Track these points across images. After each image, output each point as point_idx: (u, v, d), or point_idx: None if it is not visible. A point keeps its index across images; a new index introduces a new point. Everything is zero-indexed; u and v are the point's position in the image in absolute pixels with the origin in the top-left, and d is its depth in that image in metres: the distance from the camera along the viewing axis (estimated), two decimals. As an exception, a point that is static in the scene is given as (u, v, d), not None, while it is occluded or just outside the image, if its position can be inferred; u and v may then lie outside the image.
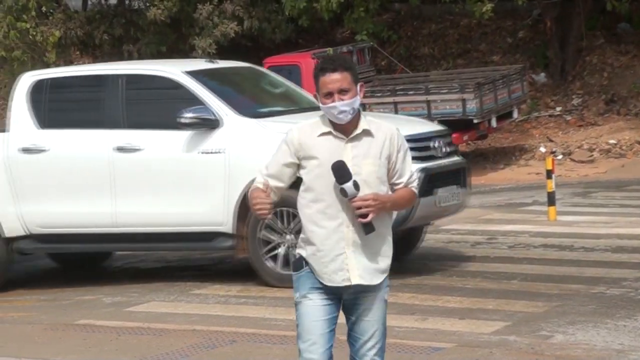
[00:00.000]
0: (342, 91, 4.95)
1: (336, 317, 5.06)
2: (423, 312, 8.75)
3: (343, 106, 4.95)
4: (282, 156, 5.11)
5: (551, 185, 13.41)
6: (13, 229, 10.70)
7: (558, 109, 21.48)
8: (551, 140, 20.19)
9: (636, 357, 7.21)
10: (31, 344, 8.41)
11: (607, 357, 7.25)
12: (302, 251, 5.10)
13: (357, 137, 5.02)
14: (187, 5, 22.75)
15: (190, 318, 9.02)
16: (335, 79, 4.97)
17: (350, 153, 4.98)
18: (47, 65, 25.34)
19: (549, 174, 13.52)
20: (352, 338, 5.12)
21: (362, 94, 5.06)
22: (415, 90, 18.82)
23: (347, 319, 5.12)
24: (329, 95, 4.97)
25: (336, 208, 4.97)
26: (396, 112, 18.40)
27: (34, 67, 25.80)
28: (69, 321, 9.20)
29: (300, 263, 5.08)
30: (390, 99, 18.66)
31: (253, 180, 5.12)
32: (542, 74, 22.58)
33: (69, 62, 27.05)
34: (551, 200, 13.34)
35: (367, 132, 5.03)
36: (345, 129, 5.02)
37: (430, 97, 18.35)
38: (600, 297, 9.00)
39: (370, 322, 5.07)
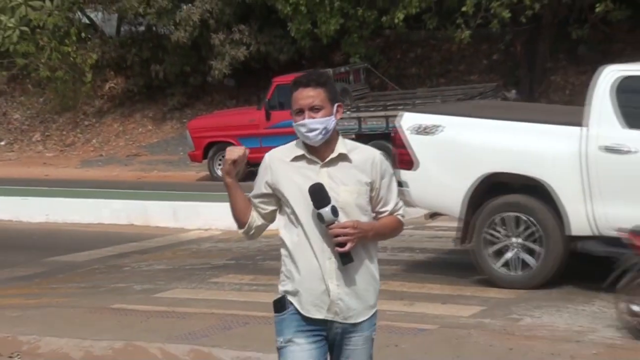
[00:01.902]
0: (314, 108, 4.02)
1: None
2: (410, 298, 8.78)
3: (313, 124, 4.01)
4: (257, 187, 4.22)
5: (521, 188, 13.37)
6: (580, 228, 8.76)
7: (527, 121, 21.44)
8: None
9: (593, 337, 7.24)
10: (73, 325, 8.44)
11: (569, 337, 7.27)
12: (283, 287, 4.17)
13: (333, 162, 4.09)
14: (206, 31, 22.83)
15: (209, 303, 9.04)
16: (306, 94, 4.04)
17: (326, 178, 4.05)
18: (85, 84, 25.47)
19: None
20: None
21: (340, 115, 4.11)
22: (404, 105, 18.73)
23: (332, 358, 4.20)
24: (300, 112, 4.05)
25: (316, 237, 4.05)
26: (387, 124, 18.41)
27: (74, 86, 26.02)
28: (105, 305, 9.22)
29: (283, 303, 4.14)
30: (382, 113, 18.61)
31: None
32: (514, 91, 22.53)
33: (104, 82, 27.16)
34: (521, 201, 13.30)
35: (343, 157, 4.10)
36: (320, 153, 4.09)
37: (417, 112, 18.32)
38: (563, 285, 9.02)
39: None
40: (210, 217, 13.96)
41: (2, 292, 10.69)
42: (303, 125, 4.04)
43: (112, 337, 7.88)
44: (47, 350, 7.84)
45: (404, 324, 7.78)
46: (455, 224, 12.90)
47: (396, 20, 20.12)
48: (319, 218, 3.99)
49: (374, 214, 4.19)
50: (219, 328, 8.02)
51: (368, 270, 4.14)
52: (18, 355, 7.84)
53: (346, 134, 17.82)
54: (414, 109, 12.88)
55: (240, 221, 4.22)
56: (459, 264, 10.25)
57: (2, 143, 26.84)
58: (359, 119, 18.69)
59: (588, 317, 7.83)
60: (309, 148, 4.10)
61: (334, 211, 3.97)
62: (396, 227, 4.26)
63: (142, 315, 8.71)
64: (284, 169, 4.12)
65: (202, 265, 11.37)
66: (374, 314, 4.19)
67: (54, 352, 7.80)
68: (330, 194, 4.01)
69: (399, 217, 4.26)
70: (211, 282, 10.17)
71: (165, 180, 20.77)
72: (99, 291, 10.15)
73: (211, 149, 20.12)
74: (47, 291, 10.58)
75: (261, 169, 4.19)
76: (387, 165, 4.20)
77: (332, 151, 4.11)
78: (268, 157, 4.19)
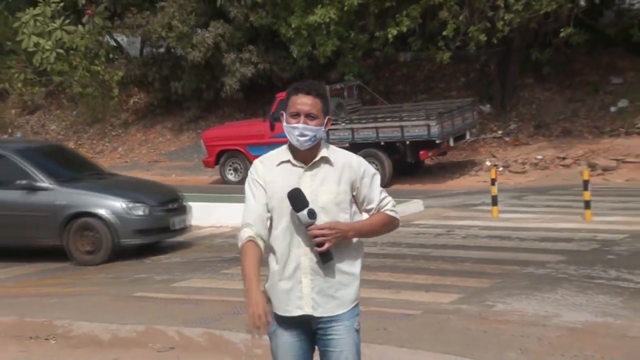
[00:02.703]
0: (310, 116, 3.80)
1: (309, 353, 3.97)
2: (397, 287, 8.75)
3: (306, 130, 3.79)
4: (257, 194, 3.90)
5: (494, 190, 13.43)
6: None
7: (499, 132, 21.48)
8: (494, 156, 20.20)
9: (557, 321, 7.22)
10: (102, 311, 8.42)
11: (536, 321, 7.26)
12: (264, 285, 3.97)
13: (316, 165, 3.87)
14: (218, 52, 22.85)
15: (221, 291, 9.01)
16: (306, 101, 3.81)
17: (308, 181, 3.84)
18: (112, 99, 25.49)
19: (493, 181, 13.54)
20: None
21: (327, 127, 3.89)
22: (392, 117, 18.82)
23: (319, 350, 3.96)
24: (296, 115, 3.81)
25: (295, 237, 3.83)
26: (377, 135, 18.43)
27: (103, 101, 26.05)
28: (129, 294, 9.21)
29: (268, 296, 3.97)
30: (373, 125, 18.66)
31: None
32: (488, 106, 22.60)
33: (129, 97, 27.17)
34: (494, 201, 13.35)
35: (326, 160, 3.88)
36: (304, 158, 3.86)
37: (403, 123, 18.35)
38: (531, 276, 9.01)
39: (341, 353, 3.87)
40: (222, 216, 13.93)
41: (40, 282, 10.68)
42: (296, 128, 3.80)
43: (136, 322, 7.87)
44: (79, 333, 7.83)
45: (392, 309, 7.76)
46: (438, 222, 12.97)
47: (389, 36, 20.07)
48: (298, 221, 3.79)
49: (362, 213, 3.98)
50: (229, 313, 7.99)
51: (347, 267, 3.89)
52: (54, 337, 7.83)
53: (341, 142, 17.83)
54: None
55: None
56: (440, 257, 10.26)
57: (40, 151, 26.79)
58: (352, 129, 18.71)
59: (553, 304, 7.82)
60: (295, 153, 3.88)
61: (311, 214, 3.75)
62: (386, 223, 3.98)
63: (162, 302, 8.69)
64: (270, 173, 3.89)
65: (215, 258, 11.34)
66: (355, 307, 3.93)
67: (85, 334, 7.79)
68: (312, 195, 3.80)
69: (389, 212, 3.97)
70: (222, 273, 10.14)
71: (182, 183, 20.73)
72: (124, 281, 10.13)
73: (222, 156, 20.12)
74: (79, 281, 10.56)
75: (253, 175, 3.93)
76: (366, 166, 3.95)
77: (315, 156, 3.88)
78: (258, 162, 3.96)
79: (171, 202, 12.31)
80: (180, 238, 12.70)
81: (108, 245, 11.59)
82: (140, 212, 11.76)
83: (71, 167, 12.81)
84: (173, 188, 13.47)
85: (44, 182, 11.70)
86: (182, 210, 12.46)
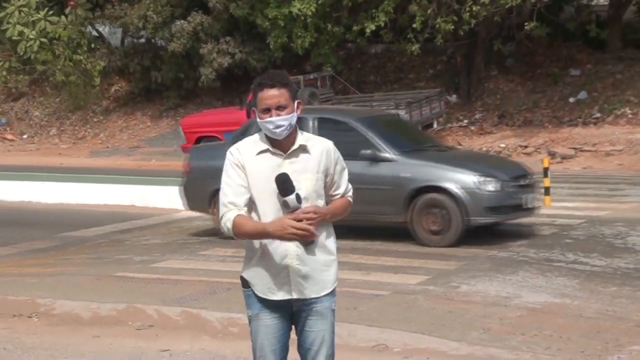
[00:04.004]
0: (280, 107, 3.77)
1: (287, 332, 3.95)
2: (368, 269, 8.77)
3: (280, 121, 3.77)
4: (237, 178, 3.84)
5: (459, 176, 13.37)
6: None
7: (465, 121, 21.52)
8: (460, 144, 20.23)
9: (517, 302, 7.27)
10: (83, 290, 8.37)
11: (498, 302, 7.30)
12: (245, 269, 3.94)
13: (294, 153, 3.85)
14: (196, 42, 22.70)
15: (198, 272, 8.98)
16: (273, 94, 3.78)
17: (288, 169, 3.80)
18: (93, 87, 25.29)
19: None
20: (302, 349, 3.94)
21: (299, 111, 3.86)
22: (363, 107, 18.81)
23: (296, 330, 3.96)
24: (267, 110, 3.78)
25: None
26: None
27: (85, 89, 25.82)
28: (109, 273, 9.14)
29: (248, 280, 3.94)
30: (344, 113, 18.60)
31: None
32: (454, 96, 22.63)
33: (110, 85, 26.94)
34: (459, 187, 13.30)
35: (303, 148, 3.86)
36: (282, 146, 3.84)
37: (373, 112, 18.33)
38: (493, 258, 9.06)
39: (318, 333, 3.89)
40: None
41: (23, 262, 10.56)
42: (270, 122, 3.78)
43: (116, 300, 7.83)
44: (60, 312, 7.77)
45: (362, 290, 7.77)
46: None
47: (368, 30, 20.04)
48: (285, 205, 3.71)
49: (328, 197, 3.97)
50: (206, 293, 7.98)
51: (326, 250, 3.89)
52: (36, 315, 7.76)
53: (314, 130, 17.76)
54: None
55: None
56: (408, 240, 10.26)
57: (25, 136, 26.56)
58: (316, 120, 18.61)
59: (514, 285, 7.86)
60: (272, 142, 3.84)
61: (298, 198, 3.72)
62: (347, 207, 4.02)
63: (141, 282, 8.65)
64: (250, 162, 3.84)
65: (192, 240, 11.29)
66: (334, 288, 3.94)
67: (66, 312, 7.73)
68: (294, 182, 3.76)
69: (349, 198, 4.04)
70: (200, 254, 10.10)
71: (161, 168, 20.60)
72: (105, 262, 10.04)
73: (201, 142, 20.00)
74: (61, 261, 10.46)
75: (233, 165, 3.86)
76: (338, 153, 3.97)
77: (293, 143, 3.85)
78: (236, 151, 3.89)
79: (522, 178, 10.43)
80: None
81: (458, 224, 9.81)
82: (492, 188, 9.94)
83: (411, 138, 11.29)
84: (521, 163, 11.83)
85: (388, 153, 10.18)
86: (533, 187, 10.63)
